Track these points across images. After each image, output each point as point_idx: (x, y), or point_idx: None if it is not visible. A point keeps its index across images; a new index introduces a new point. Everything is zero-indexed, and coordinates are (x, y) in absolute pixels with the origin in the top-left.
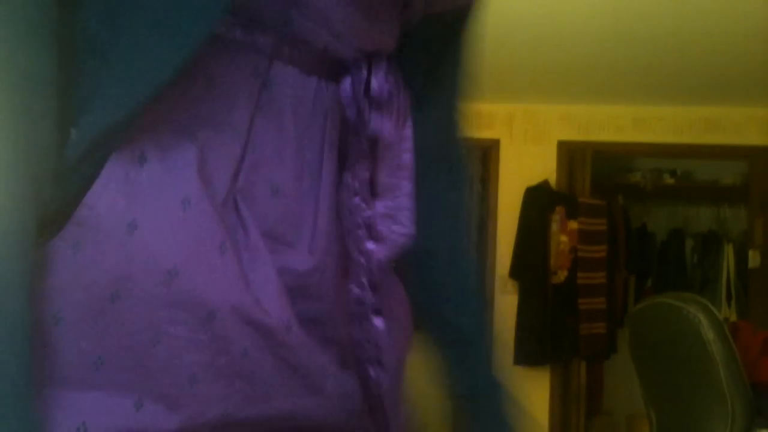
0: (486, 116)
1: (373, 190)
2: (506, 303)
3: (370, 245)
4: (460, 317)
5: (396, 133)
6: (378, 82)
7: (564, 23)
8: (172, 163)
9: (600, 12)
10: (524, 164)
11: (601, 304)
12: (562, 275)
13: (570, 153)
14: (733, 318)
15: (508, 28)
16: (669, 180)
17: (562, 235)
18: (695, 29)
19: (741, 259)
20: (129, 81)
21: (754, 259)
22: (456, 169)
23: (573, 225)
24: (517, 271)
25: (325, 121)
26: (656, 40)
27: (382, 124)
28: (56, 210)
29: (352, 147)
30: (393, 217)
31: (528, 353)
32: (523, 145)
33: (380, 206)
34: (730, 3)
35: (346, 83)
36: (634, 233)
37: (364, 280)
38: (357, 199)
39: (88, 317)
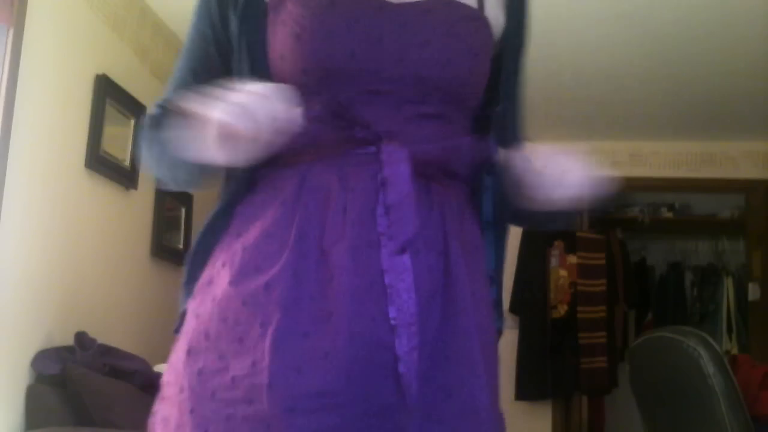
0: None
1: None
2: (507, 338)
3: None
4: None
5: None
6: None
7: (560, 61)
8: None
9: (597, 49)
10: None
11: (601, 339)
12: (562, 310)
13: None
14: (735, 351)
15: None
16: (667, 214)
17: (561, 269)
18: (690, 65)
19: (740, 291)
20: None
21: (753, 291)
22: None
23: (572, 259)
24: (517, 305)
25: None
26: (651, 77)
27: None
28: None
29: None
30: None
31: (529, 389)
32: None
33: None
34: (725, 39)
35: None
36: (632, 267)
37: None
38: None
39: None
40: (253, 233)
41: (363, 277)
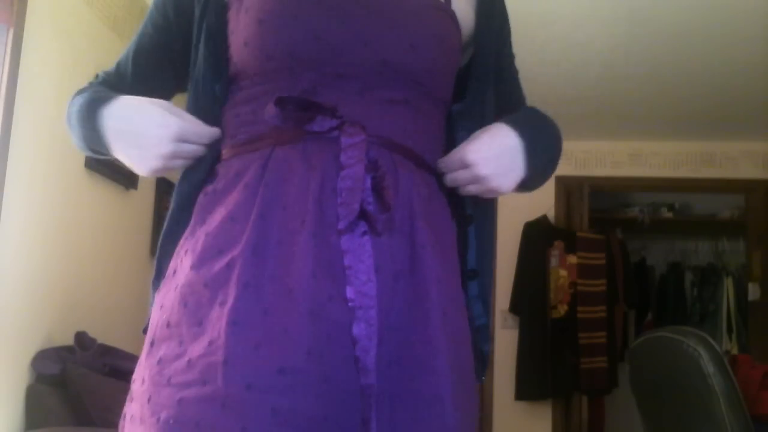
0: None
1: None
2: (507, 338)
3: None
4: None
5: None
6: None
7: (561, 61)
8: None
9: (596, 50)
10: (523, 199)
11: (601, 339)
12: (562, 309)
13: (568, 188)
14: (735, 351)
15: None
16: (667, 214)
17: (561, 269)
18: (691, 65)
19: (740, 291)
20: None
21: (753, 291)
22: None
23: (572, 259)
24: (517, 305)
25: None
26: (652, 77)
27: None
28: None
29: None
30: None
31: (529, 388)
32: None
33: None
34: (725, 40)
35: None
36: (632, 267)
37: None
38: None
39: None
40: (216, 218)
41: (323, 256)
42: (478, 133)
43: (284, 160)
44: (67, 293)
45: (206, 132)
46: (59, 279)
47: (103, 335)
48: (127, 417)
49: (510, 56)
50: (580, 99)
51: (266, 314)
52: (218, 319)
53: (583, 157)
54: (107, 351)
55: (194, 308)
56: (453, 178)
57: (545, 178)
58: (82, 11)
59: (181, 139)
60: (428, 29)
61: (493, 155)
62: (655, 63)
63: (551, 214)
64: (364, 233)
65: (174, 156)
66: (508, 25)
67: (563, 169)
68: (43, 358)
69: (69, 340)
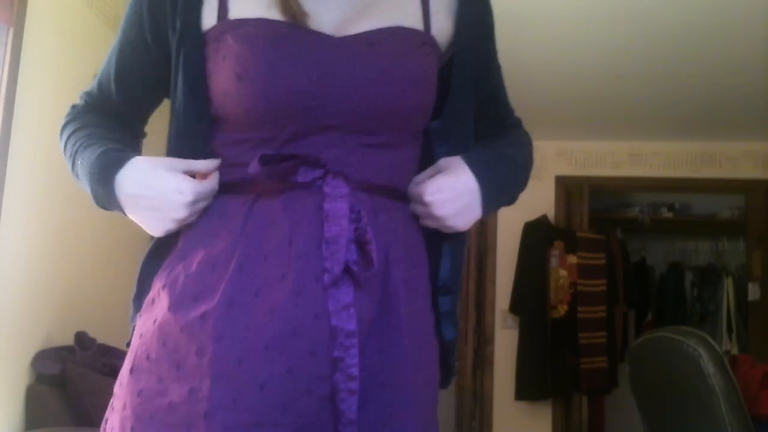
0: None
1: None
2: (507, 337)
3: None
4: None
5: None
6: None
7: (561, 61)
8: None
9: (596, 50)
10: (523, 199)
11: (601, 339)
12: (562, 309)
13: (568, 188)
14: (735, 351)
15: (504, 66)
16: (667, 214)
17: (561, 269)
18: (690, 65)
19: (740, 291)
20: None
21: (753, 291)
22: None
23: (572, 259)
24: (517, 305)
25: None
26: (652, 77)
27: None
28: None
29: None
30: None
31: (529, 388)
32: None
33: None
34: (725, 40)
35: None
36: (632, 267)
37: None
38: None
39: None
40: (195, 260)
41: (306, 311)
42: (442, 166)
43: (266, 210)
44: (67, 293)
45: (216, 184)
46: (59, 279)
47: (103, 335)
48: (108, 425)
49: (496, 68)
50: (580, 99)
51: (240, 365)
52: (197, 369)
53: (583, 157)
54: (107, 351)
55: (172, 349)
56: (412, 208)
57: (510, 204)
58: (82, 11)
59: (196, 202)
60: (408, 75)
61: (450, 199)
62: (655, 63)
63: (551, 214)
64: (348, 286)
65: (189, 217)
66: (494, 39)
67: (563, 169)
68: (43, 358)
69: (69, 340)
